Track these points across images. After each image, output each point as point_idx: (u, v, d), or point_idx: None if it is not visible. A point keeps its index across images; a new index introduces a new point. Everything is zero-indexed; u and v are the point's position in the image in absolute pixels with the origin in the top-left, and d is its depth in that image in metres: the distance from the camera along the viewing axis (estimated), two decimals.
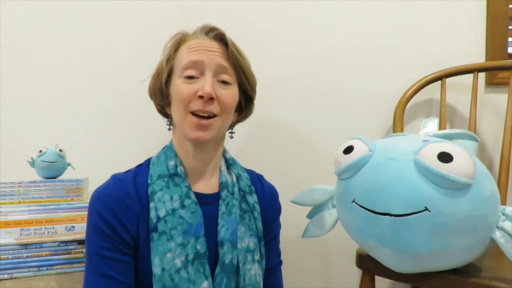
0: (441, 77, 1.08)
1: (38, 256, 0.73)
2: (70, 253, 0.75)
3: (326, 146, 1.12)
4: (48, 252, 0.74)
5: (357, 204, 0.64)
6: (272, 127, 1.11)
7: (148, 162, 0.71)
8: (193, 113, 0.64)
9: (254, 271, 0.68)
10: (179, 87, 0.65)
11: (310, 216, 0.81)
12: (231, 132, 0.76)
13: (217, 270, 0.64)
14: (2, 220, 0.74)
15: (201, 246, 0.63)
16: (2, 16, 1.01)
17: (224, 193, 0.69)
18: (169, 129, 0.74)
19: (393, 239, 0.60)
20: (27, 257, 0.73)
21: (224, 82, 0.67)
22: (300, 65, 1.12)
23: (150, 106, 0.75)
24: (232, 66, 0.67)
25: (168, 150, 0.70)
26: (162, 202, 0.64)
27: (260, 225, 0.73)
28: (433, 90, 1.12)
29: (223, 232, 0.66)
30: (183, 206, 0.64)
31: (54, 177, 0.83)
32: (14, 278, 0.72)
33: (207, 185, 0.70)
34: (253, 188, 0.75)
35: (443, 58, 1.12)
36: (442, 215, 0.56)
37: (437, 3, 1.14)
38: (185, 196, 0.65)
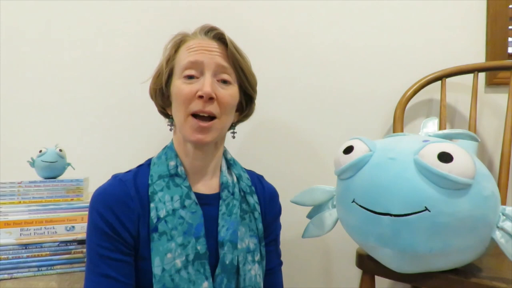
0: (441, 77, 1.07)
1: (38, 256, 0.73)
2: (70, 253, 0.75)
3: (326, 146, 1.12)
4: (48, 252, 0.74)
5: (357, 204, 0.64)
6: (272, 127, 1.11)
7: (148, 162, 0.71)
8: (194, 115, 0.64)
9: (254, 271, 0.68)
10: (179, 87, 0.65)
11: (310, 216, 0.81)
12: (233, 132, 0.76)
13: (218, 270, 0.64)
14: (2, 220, 0.74)
15: (201, 247, 0.63)
16: (2, 16, 1.01)
17: (224, 194, 0.69)
18: (170, 130, 0.74)
19: (393, 239, 0.60)
20: (27, 257, 0.73)
21: (224, 82, 0.67)
22: (300, 65, 1.12)
23: (150, 106, 0.75)
24: (231, 66, 0.67)
25: (169, 150, 0.70)
26: (163, 203, 0.64)
27: (260, 225, 0.73)
28: (433, 90, 1.12)
29: (223, 233, 0.66)
30: (183, 207, 0.64)
31: (54, 177, 0.83)
32: (14, 278, 0.72)
33: (207, 186, 0.70)
34: (253, 188, 0.75)
35: (443, 58, 1.12)
36: (442, 215, 0.56)
37: (437, 3, 1.14)
38: (185, 197, 0.65)
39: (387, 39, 1.13)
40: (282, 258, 0.81)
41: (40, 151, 0.83)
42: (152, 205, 0.63)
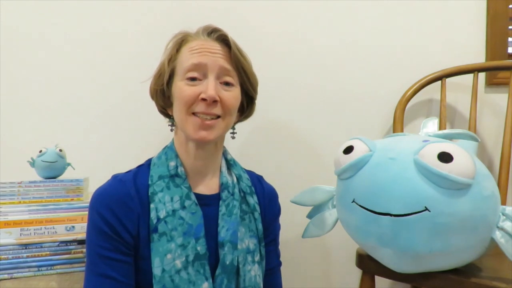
0: (441, 77, 1.08)
1: (38, 256, 0.73)
2: (70, 253, 0.75)
3: (326, 146, 1.12)
4: (48, 252, 0.74)
5: (357, 204, 0.64)
6: (272, 127, 1.11)
7: (148, 162, 0.71)
8: (196, 114, 0.64)
9: (254, 272, 0.68)
10: (182, 89, 0.65)
11: (310, 216, 0.81)
12: (233, 133, 0.76)
13: (218, 271, 0.64)
14: (2, 220, 0.74)
15: (201, 247, 0.63)
16: (2, 16, 1.01)
17: (224, 194, 0.69)
18: (171, 130, 0.74)
19: (393, 239, 0.60)
20: (27, 257, 0.73)
21: (227, 84, 0.67)
22: (300, 65, 1.12)
23: (151, 106, 0.75)
24: (234, 68, 0.67)
25: (169, 151, 0.70)
26: (163, 203, 0.64)
27: (260, 226, 0.73)
28: (433, 90, 1.12)
29: (223, 233, 0.66)
30: (183, 207, 0.64)
31: (54, 177, 0.83)
32: (14, 278, 0.72)
33: (207, 186, 0.70)
34: (253, 189, 0.75)
35: (443, 58, 1.12)
36: (442, 215, 0.56)
37: (437, 3, 1.14)
38: (185, 197, 0.65)
39: (387, 39, 1.13)
40: (282, 258, 0.81)
41: (40, 151, 0.82)
42: (152, 205, 0.63)
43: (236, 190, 0.71)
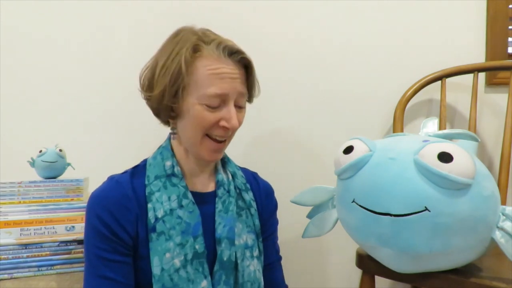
0: (441, 77, 1.07)
1: (38, 256, 0.73)
2: (70, 253, 0.75)
3: (326, 146, 1.12)
4: (48, 252, 0.74)
5: (357, 204, 0.64)
6: (272, 127, 1.11)
7: (144, 163, 0.71)
8: (209, 136, 0.65)
9: (253, 267, 0.69)
10: (201, 114, 0.62)
11: (310, 216, 0.81)
12: None
13: (216, 267, 0.65)
14: (2, 220, 0.74)
15: (199, 246, 0.63)
16: (2, 16, 1.01)
17: (220, 191, 0.70)
18: (173, 138, 0.71)
19: (393, 239, 0.60)
20: (27, 257, 0.73)
21: (240, 107, 0.68)
22: (300, 66, 1.12)
23: None
24: (247, 91, 0.68)
25: (164, 151, 0.70)
26: (160, 203, 0.64)
27: (257, 221, 0.73)
28: (433, 90, 1.12)
29: (220, 230, 0.67)
30: (181, 206, 0.65)
31: (54, 177, 0.83)
32: (14, 278, 0.72)
33: (204, 184, 0.71)
34: (248, 185, 0.75)
35: (443, 58, 1.12)
36: (442, 215, 0.56)
37: (437, 3, 1.14)
38: (182, 196, 0.65)
39: (387, 39, 1.13)
40: (282, 258, 0.81)
41: (40, 151, 0.83)
42: (149, 205, 0.64)
43: (232, 187, 0.72)
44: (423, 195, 0.56)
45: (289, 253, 1.01)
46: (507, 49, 1.14)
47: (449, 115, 1.15)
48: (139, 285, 0.63)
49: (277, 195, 0.82)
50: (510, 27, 1.13)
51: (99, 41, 1.04)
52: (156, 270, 0.60)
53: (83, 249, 0.75)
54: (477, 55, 1.14)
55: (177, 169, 0.68)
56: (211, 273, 0.64)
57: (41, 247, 0.74)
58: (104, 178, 0.67)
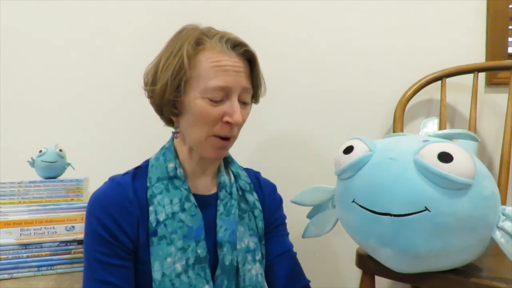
0: (441, 77, 1.08)
1: (38, 256, 0.73)
2: (70, 253, 0.75)
3: (326, 146, 1.12)
4: (48, 252, 0.74)
5: (357, 204, 0.64)
6: (272, 127, 1.11)
7: (146, 164, 0.69)
8: (215, 135, 0.63)
9: (255, 271, 0.68)
10: (204, 109, 0.61)
11: (310, 216, 0.81)
12: None
13: (218, 272, 0.64)
14: (2, 220, 0.74)
15: (201, 250, 0.62)
16: (2, 16, 1.01)
17: (222, 194, 0.69)
18: (175, 137, 0.70)
19: (393, 239, 0.60)
20: (27, 257, 0.73)
21: (244, 103, 0.65)
22: (300, 66, 1.12)
23: (151, 107, 0.75)
24: (252, 86, 0.67)
25: (167, 152, 0.68)
26: (162, 206, 0.62)
27: (260, 224, 0.72)
28: (433, 90, 1.12)
29: (221, 233, 0.65)
30: (183, 210, 0.63)
31: (54, 177, 0.83)
32: (14, 278, 0.72)
33: (206, 186, 0.70)
34: (252, 186, 0.74)
35: (443, 58, 1.12)
36: (442, 215, 0.56)
37: (437, 3, 1.14)
38: (185, 199, 0.64)
39: (387, 39, 1.13)
40: None
41: (40, 151, 0.83)
42: (151, 208, 0.62)
43: (234, 189, 0.71)
44: (423, 195, 0.56)
45: None
46: (507, 49, 1.14)
47: (449, 115, 1.15)
48: None
49: None
50: (510, 27, 1.13)
51: (99, 41, 1.04)
52: (156, 275, 0.59)
53: (83, 249, 0.75)
54: (477, 55, 1.14)
55: (179, 171, 0.66)
56: (213, 277, 0.63)
57: (41, 247, 0.74)
58: (104, 178, 0.67)
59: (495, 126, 1.14)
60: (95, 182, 0.91)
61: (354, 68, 1.13)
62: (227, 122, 0.62)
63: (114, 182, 0.64)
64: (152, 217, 0.62)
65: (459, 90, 1.14)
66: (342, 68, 1.13)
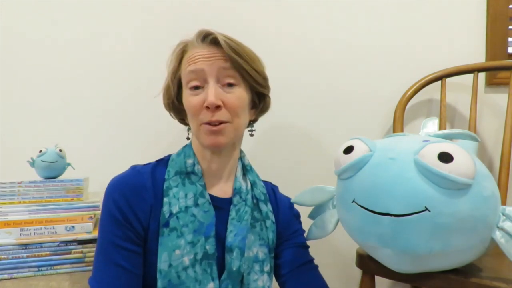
0: (441, 77, 1.08)
1: (38, 256, 0.73)
2: (70, 253, 0.75)
3: (326, 146, 1.12)
4: (48, 252, 0.74)
5: (357, 204, 0.64)
6: (272, 127, 1.11)
7: (167, 158, 0.72)
8: (205, 123, 0.64)
9: (262, 282, 0.67)
10: (188, 99, 0.66)
11: (311, 216, 0.81)
12: (251, 130, 0.76)
13: (224, 275, 0.64)
14: (2, 220, 0.74)
15: (210, 247, 0.63)
16: (2, 16, 1.01)
17: (236, 199, 0.69)
18: (187, 138, 0.75)
19: (393, 239, 0.60)
20: (27, 257, 0.73)
21: (230, 85, 0.65)
22: (300, 65, 1.12)
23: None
24: (233, 67, 0.65)
25: (188, 149, 0.71)
26: (176, 199, 0.64)
27: (271, 235, 0.72)
28: (433, 90, 1.12)
29: (231, 238, 0.66)
30: (196, 205, 0.65)
31: (54, 177, 0.83)
32: (14, 278, 0.72)
33: (221, 189, 0.70)
34: (268, 196, 0.74)
35: (443, 58, 1.12)
36: (442, 215, 0.56)
37: (437, 3, 1.14)
38: (199, 195, 0.66)
39: (387, 39, 1.13)
40: None
41: (40, 151, 0.82)
42: (165, 199, 0.64)
43: (249, 197, 0.71)
44: (423, 195, 0.56)
45: None
46: (507, 49, 1.14)
47: (449, 115, 1.15)
48: (144, 279, 0.62)
49: None
50: (510, 27, 1.13)
51: (99, 41, 1.04)
52: (163, 265, 0.60)
53: (83, 249, 0.76)
54: (477, 55, 1.14)
55: (197, 168, 0.68)
56: (219, 277, 0.64)
57: (41, 247, 0.74)
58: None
59: (495, 126, 1.14)
60: (95, 182, 0.91)
61: (354, 68, 1.13)
62: (207, 107, 0.63)
63: (135, 170, 0.67)
64: (165, 209, 0.63)
65: (459, 90, 1.14)
66: (342, 68, 1.13)
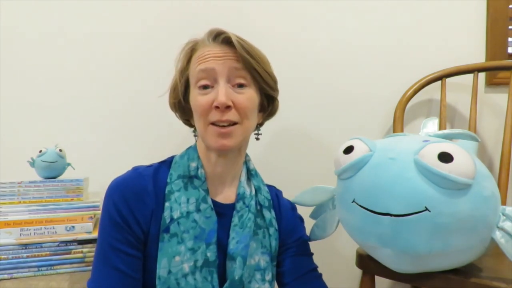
0: (441, 77, 1.08)
1: (38, 256, 0.73)
2: (70, 253, 0.75)
3: (326, 146, 1.12)
4: (48, 252, 0.74)
5: (357, 204, 0.64)
6: (272, 127, 1.11)
7: (171, 160, 0.70)
8: (213, 124, 0.63)
9: None
10: (196, 99, 0.64)
11: (312, 216, 0.81)
12: (257, 134, 0.74)
13: (227, 284, 0.63)
14: (2, 220, 0.74)
15: (211, 254, 0.62)
16: (2, 16, 1.01)
17: (239, 205, 0.68)
18: (194, 136, 0.73)
19: (393, 239, 0.60)
20: (27, 257, 0.73)
21: (240, 86, 0.64)
22: (300, 65, 1.12)
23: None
24: (244, 68, 0.64)
25: (192, 152, 0.69)
26: (178, 203, 0.63)
27: (274, 243, 0.70)
28: (433, 90, 1.12)
29: (233, 245, 0.64)
30: (198, 210, 0.63)
31: (54, 177, 0.83)
32: (14, 278, 0.72)
33: (224, 195, 0.69)
34: (272, 202, 0.73)
35: (443, 58, 1.12)
36: (442, 215, 0.56)
37: (437, 3, 1.14)
38: (201, 200, 0.64)
39: (387, 39, 1.13)
40: None
41: (40, 151, 0.82)
42: (167, 204, 0.62)
43: (253, 203, 0.69)
44: (423, 195, 0.56)
45: None
46: (507, 49, 1.14)
47: (449, 115, 1.15)
48: (142, 284, 0.62)
49: None
50: (510, 27, 1.13)
51: (99, 41, 1.04)
52: (162, 272, 0.59)
53: (83, 249, 0.76)
54: (477, 55, 1.14)
55: (201, 172, 0.66)
56: (220, 284, 0.63)
57: (41, 247, 0.74)
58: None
59: (495, 126, 1.14)
60: (95, 182, 0.91)
61: (354, 68, 1.13)
62: (216, 107, 0.61)
63: (137, 172, 0.65)
64: (166, 214, 0.62)
65: (459, 90, 1.14)
66: (342, 68, 1.13)
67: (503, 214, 0.59)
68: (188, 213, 0.62)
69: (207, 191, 0.66)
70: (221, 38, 0.65)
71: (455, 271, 0.65)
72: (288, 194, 0.82)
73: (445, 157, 0.55)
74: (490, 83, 1.15)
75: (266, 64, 0.68)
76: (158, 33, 1.06)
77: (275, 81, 0.71)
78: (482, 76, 1.15)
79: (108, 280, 0.59)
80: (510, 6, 1.14)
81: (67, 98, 1.03)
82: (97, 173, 0.88)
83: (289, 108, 1.11)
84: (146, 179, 0.64)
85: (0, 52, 1.00)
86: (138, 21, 1.06)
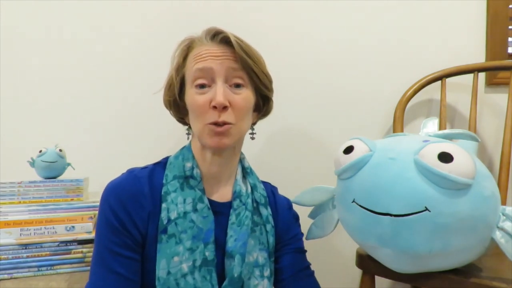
0: (441, 77, 1.08)
1: (38, 256, 0.73)
2: (70, 253, 0.75)
3: (326, 146, 1.12)
4: (48, 252, 0.74)
5: (357, 204, 0.64)
6: (272, 127, 1.11)
7: (165, 160, 0.70)
8: (210, 124, 0.63)
9: (262, 287, 0.66)
10: (193, 98, 0.64)
11: (311, 216, 0.81)
12: (252, 133, 0.75)
13: (225, 283, 0.63)
14: (2, 220, 0.74)
15: (209, 253, 0.62)
16: (2, 16, 1.01)
17: (236, 203, 0.68)
18: (188, 134, 0.73)
19: (393, 239, 0.60)
20: (27, 257, 0.73)
21: (237, 86, 0.64)
22: (300, 65, 1.12)
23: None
24: (242, 68, 0.64)
25: (186, 151, 0.69)
26: (175, 204, 0.63)
27: (271, 239, 0.71)
28: (433, 90, 1.12)
29: (231, 243, 0.65)
30: (195, 210, 0.63)
31: (54, 177, 0.83)
32: (14, 278, 0.72)
33: (220, 193, 0.69)
34: (268, 199, 0.73)
35: (443, 58, 1.12)
36: (443, 215, 0.56)
37: (437, 3, 1.14)
38: (198, 200, 0.64)
39: (387, 39, 1.13)
40: None
41: (40, 151, 0.83)
42: (164, 205, 0.62)
43: (249, 200, 0.69)
44: (423, 195, 0.56)
45: None
46: (507, 49, 1.14)
47: (449, 115, 1.15)
48: (141, 286, 0.62)
49: None
50: (510, 27, 1.13)
51: (100, 41, 1.04)
52: (162, 273, 0.59)
53: (83, 249, 0.76)
54: (477, 55, 1.14)
55: (196, 172, 0.66)
56: (219, 283, 0.63)
57: (41, 247, 0.74)
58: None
59: (495, 126, 1.14)
60: (95, 182, 0.91)
61: (354, 68, 1.13)
62: (214, 107, 0.61)
63: (132, 175, 0.65)
64: (163, 215, 0.62)
65: (459, 90, 1.14)
66: (342, 68, 1.13)
67: (503, 214, 0.59)
68: (185, 213, 0.63)
69: (203, 191, 0.66)
70: (220, 37, 0.65)
71: (455, 271, 0.65)
72: (288, 194, 0.82)
73: (445, 157, 0.55)
74: (490, 83, 1.15)
75: (263, 64, 0.69)
76: (158, 33, 1.06)
77: (271, 82, 0.72)
78: (482, 76, 1.15)
79: (106, 284, 0.59)
80: (510, 6, 1.14)
81: (67, 98, 1.03)
82: (97, 173, 0.88)
83: (289, 108, 1.11)
84: (141, 181, 0.64)
85: (0, 52, 1.00)
86: (138, 21, 1.06)
